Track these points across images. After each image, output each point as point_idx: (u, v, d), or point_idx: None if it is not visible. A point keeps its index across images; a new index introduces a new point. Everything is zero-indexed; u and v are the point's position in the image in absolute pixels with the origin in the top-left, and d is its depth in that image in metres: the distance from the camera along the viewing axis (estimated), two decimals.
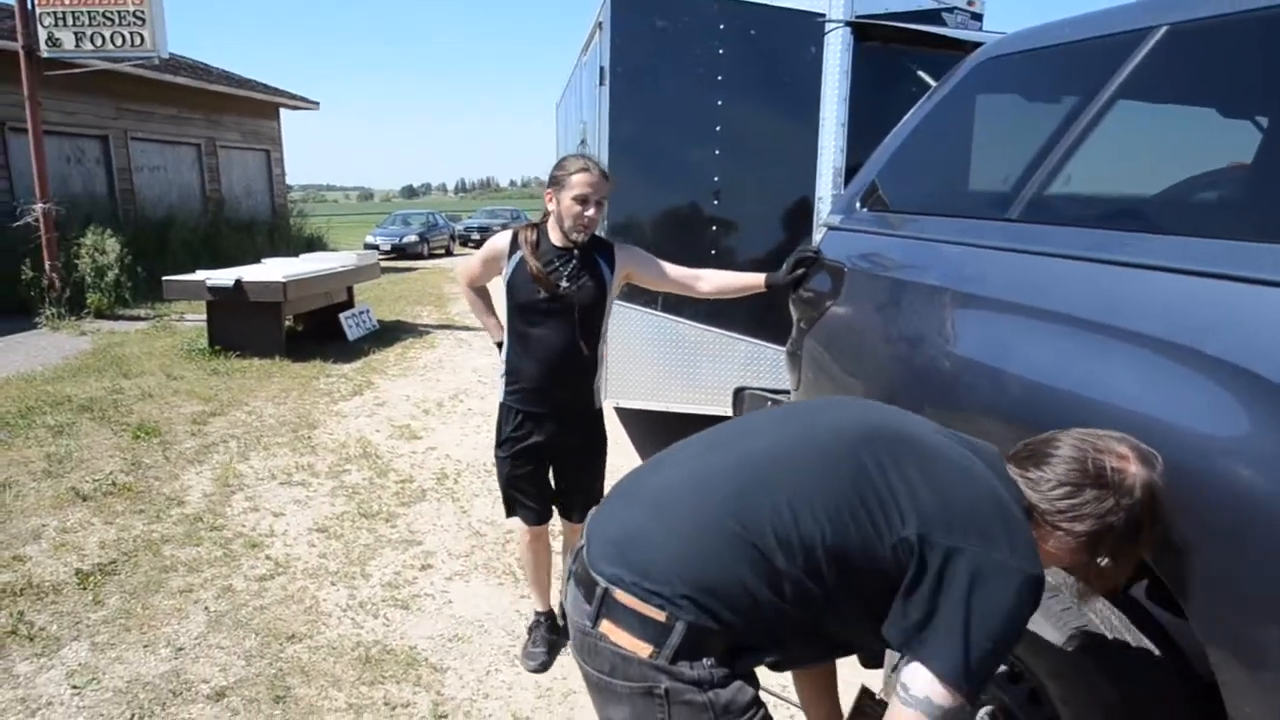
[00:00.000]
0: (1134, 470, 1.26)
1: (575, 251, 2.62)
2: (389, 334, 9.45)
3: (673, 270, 2.77)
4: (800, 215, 4.54)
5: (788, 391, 4.59)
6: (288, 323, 8.22)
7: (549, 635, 2.97)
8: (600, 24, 4.87)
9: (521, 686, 2.78)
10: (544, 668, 2.86)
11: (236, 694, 2.69)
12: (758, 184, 4.65)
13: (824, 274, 2.48)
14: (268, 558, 3.68)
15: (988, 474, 1.30)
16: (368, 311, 9.53)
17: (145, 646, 2.95)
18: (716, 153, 4.59)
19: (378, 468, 4.91)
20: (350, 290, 9.20)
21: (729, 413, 4.76)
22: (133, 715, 2.58)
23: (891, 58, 4.61)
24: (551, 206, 2.62)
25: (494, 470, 4.83)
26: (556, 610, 3.05)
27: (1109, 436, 1.31)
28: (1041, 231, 1.77)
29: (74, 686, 2.72)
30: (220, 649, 2.95)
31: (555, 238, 2.64)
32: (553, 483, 2.84)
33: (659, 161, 4.77)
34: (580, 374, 2.71)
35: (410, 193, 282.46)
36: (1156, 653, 1.54)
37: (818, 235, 4.40)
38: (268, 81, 17.95)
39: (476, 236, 29.00)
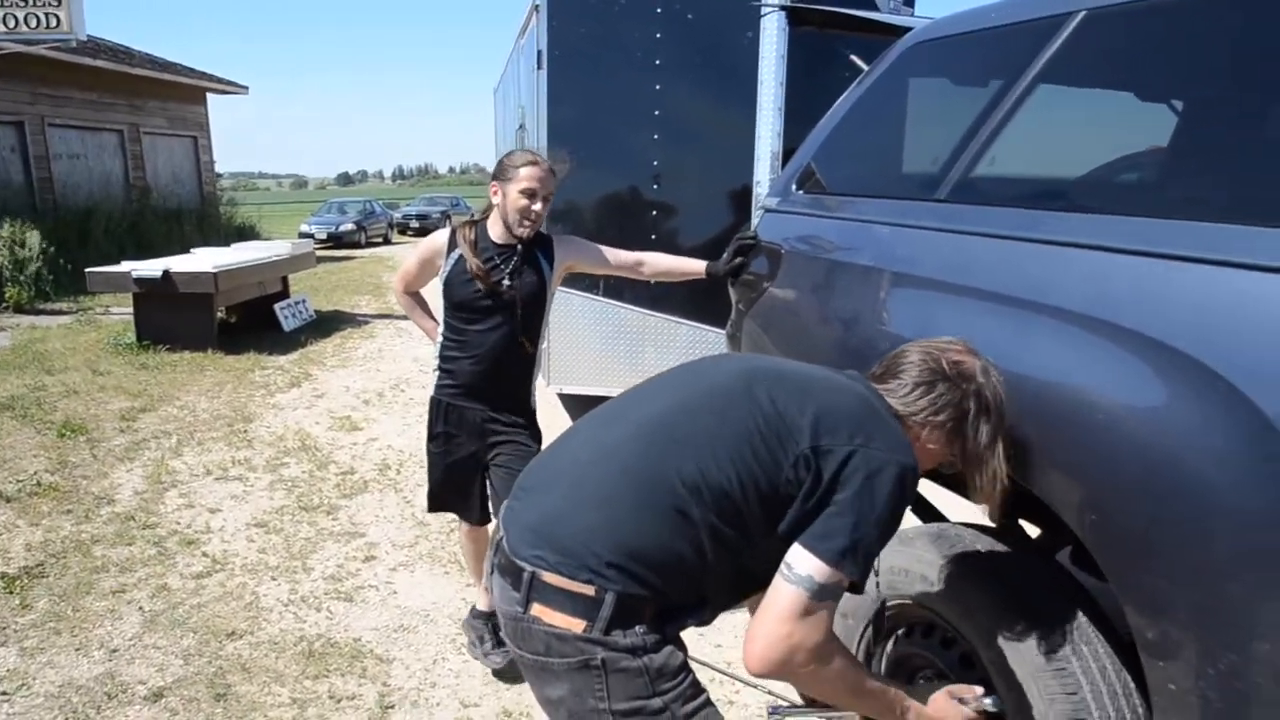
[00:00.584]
0: (970, 360, 1.45)
1: (517, 248, 2.59)
2: (327, 324, 9.26)
3: (614, 255, 2.77)
4: (739, 199, 4.58)
5: None
6: (220, 314, 7.99)
7: (496, 631, 2.96)
8: (536, 6, 4.82)
9: (469, 674, 2.78)
10: (503, 664, 2.85)
11: (175, 694, 2.63)
12: (697, 168, 4.67)
13: (762, 256, 2.51)
14: (204, 555, 3.59)
15: (856, 386, 1.44)
16: (304, 301, 9.33)
17: (77, 649, 2.87)
18: (655, 137, 4.60)
19: (318, 460, 4.82)
20: (285, 280, 8.99)
21: None
22: None
23: (826, 42, 4.67)
24: (496, 199, 2.58)
25: None
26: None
27: (945, 340, 1.51)
28: (967, 212, 1.82)
29: (2, 693, 2.62)
30: (157, 649, 2.88)
31: (496, 233, 2.61)
32: (495, 475, 2.79)
33: (598, 146, 4.75)
34: (519, 371, 2.68)
35: (346, 180, 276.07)
36: (1082, 616, 1.61)
37: (756, 218, 4.47)
38: (194, 65, 17.30)
39: (415, 225, 28.57)
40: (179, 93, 16.62)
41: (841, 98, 2.47)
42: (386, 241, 24.94)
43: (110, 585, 3.30)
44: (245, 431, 5.33)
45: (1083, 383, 1.44)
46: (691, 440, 1.34)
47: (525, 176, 2.53)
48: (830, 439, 1.32)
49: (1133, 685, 1.53)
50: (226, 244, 10.15)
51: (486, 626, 2.92)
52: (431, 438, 2.75)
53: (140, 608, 3.14)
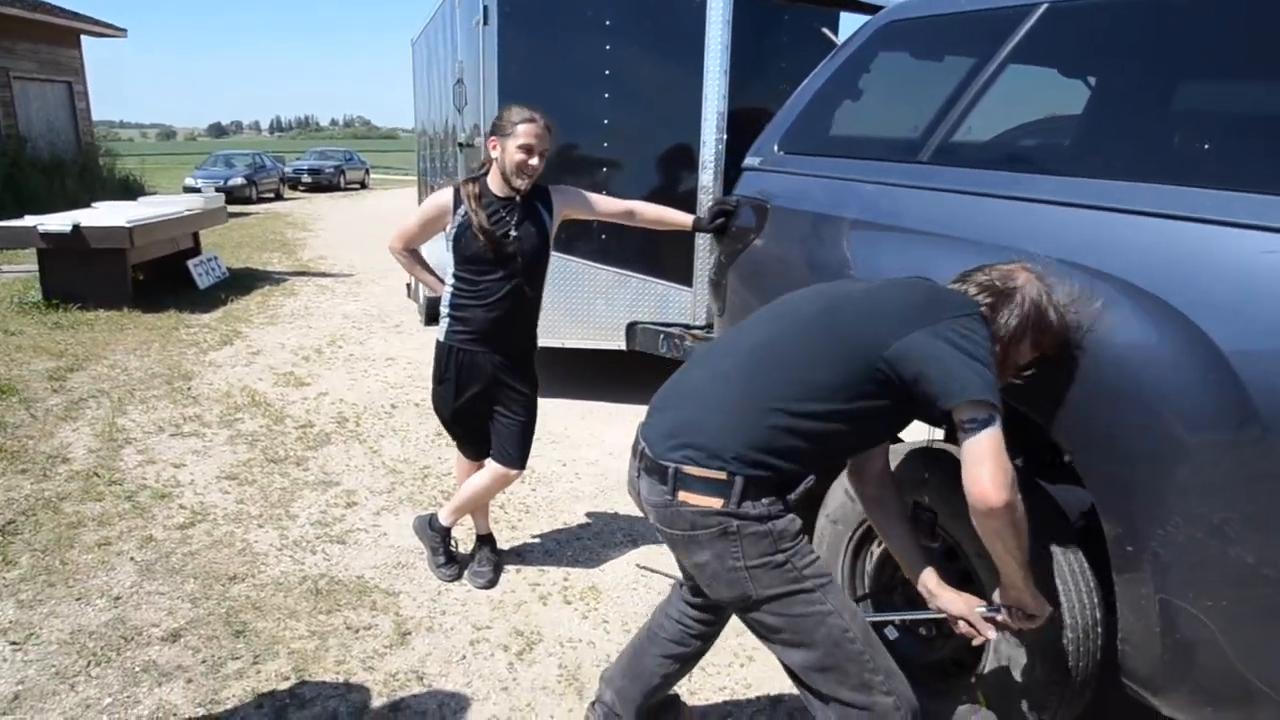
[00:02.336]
0: (1023, 277, 1.70)
1: (518, 200, 2.75)
2: (242, 282, 9.02)
3: (607, 204, 2.97)
4: (685, 158, 4.80)
5: (675, 325, 4.92)
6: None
7: (492, 555, 3.17)
8: None
9: (475, 601, 2.98)
10: (492, 584, 3.07)
11: (192, 633, 2.74)
12: (646, 127, 4.86)
13: (747, 210, 2.76)
14: (182, 507, 3.64)
15: (922, 282, 1.76)
16: (216, 259, 9.04)
17: (78, 599, 2.91)
18: (606, 96, 4.76)
19: (272, 415, 4.84)
20: (197, 237, 8.68)
21: (623, 347, 5.05)
22: (88, 663, 2.58)
23: (770, 8, 4.92)
24: (496, 154, 2.73)
25: (395, 411, 4.95)
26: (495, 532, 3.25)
27: (1010, 266, 1.75)
28: (949, 172, 2.12)
29: (12, 643, 2.67)
30: (160, 594, 2.96)
31: (497, 186, 2.76)
32: (498, 420, 2.96)
33: (548, 104, 4.73)
34: (528, 316, 2.88)
35: (219, 132, 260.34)
36: (1053, 515, 1.96)
37: (704, 176, 4.72)
38: (67, 5, 16.06)
39: (308, 179, 27.46)
40: (51, 34, 15.44)
41: (818, 68, 2.73)
42: (278, 197, 23.95)
43: (93, 539, 3.32)
44: (187, 389, 5.27)
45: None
46: (792, 355, 1.67)
47: (524, 133, 2.69)
48: (911, 327, 1.58)
49: (1094, 579, 1.88)
50: (111, 199, 9.63)
51: (441, 541, 3.14)
52: (440, 381, 2.90)
53: (131, 558, 3.19)
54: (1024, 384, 1.76)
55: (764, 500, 1.62)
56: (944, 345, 1.55)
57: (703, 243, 4.80)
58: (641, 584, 3.13)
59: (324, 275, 9.83)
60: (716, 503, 1.61)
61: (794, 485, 1.72)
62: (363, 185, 30.18)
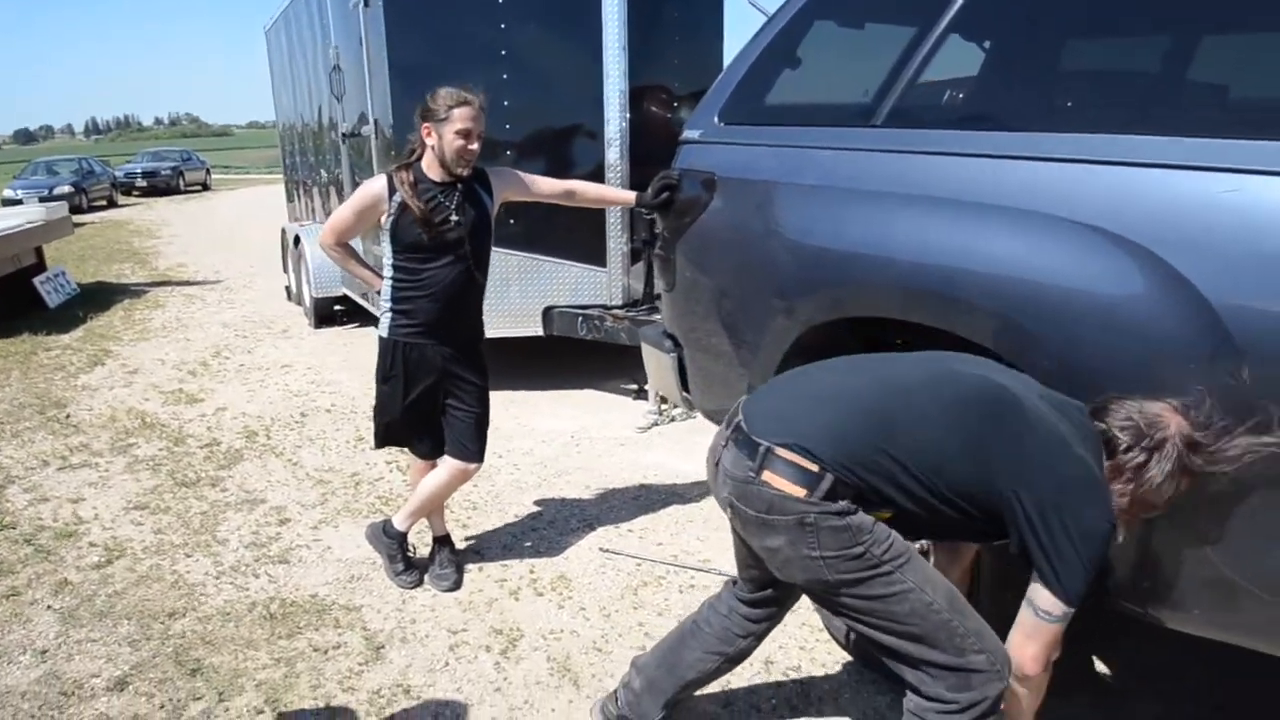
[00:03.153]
0: (1173, 430, 1.59)
1: (458, 185, 2.65)
2: (98, 298, 8.30)
3: (547, 185, 2.90)
4: (590, 135, 4.75)
5: (593, 307, 4.89)
6: None
7: (453, 556, 3.07)
8: None
9: (444, 605, 2.88)
10: (457, 585, 2.97)
11: (141, 678, 2.52)
12: (547, 107, 4.77)
13: (692, 183, 2.75)
14: (93, 545, 3.33)
15: (1079, 441, 1.61)
16: (64, 274, 8.28)
17: None
18: (504, 77, 4.63)
19: (170, 436, 4.50)
20: (40, 251, 7.91)
21: (540, 333, 4.98)
22: None
23: None
24: (431, 141, 2.61)
25: (306, 419, 4.70)
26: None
27: (1158, 405, 1.62)
28: (906, 134, 2.18)
29: None
30: (93, 641, 2.70)
31: (435, 173, 2.64)
32: (451, 414, 2.85)
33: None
34: (473, 303, 2.78)
35: (27, 138, 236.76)
36: None
37: (610, 153, 4.69)
38: None
39: (143, 183, 25.54)
40: None
41: (752, 38, 2.74)
42: (112, 204, 22.16)
43: None
44: (65, 418, 4.81)
45: (1033, 260, 1.86)
46: (924, 410, 1.63)
47: (459, 117, 2.59)
48: (1052, 496, 1.54)
49: None
50: None
51: (399, 547, 3.02)
52: (386, 379, 2.77)
53: (48, 606, 2.90)
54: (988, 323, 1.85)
55: (842, 501, 1.60)
56: (1075, 536, 1.55)
57: (615, 222, 4.77)
58: (610, 567, 3.11)
59: (189, 284, 9.18)
60: (800, 491, 1.58)
61: (870, 507, 1.66)
62: (205, 187, 28.35)
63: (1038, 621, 1.61)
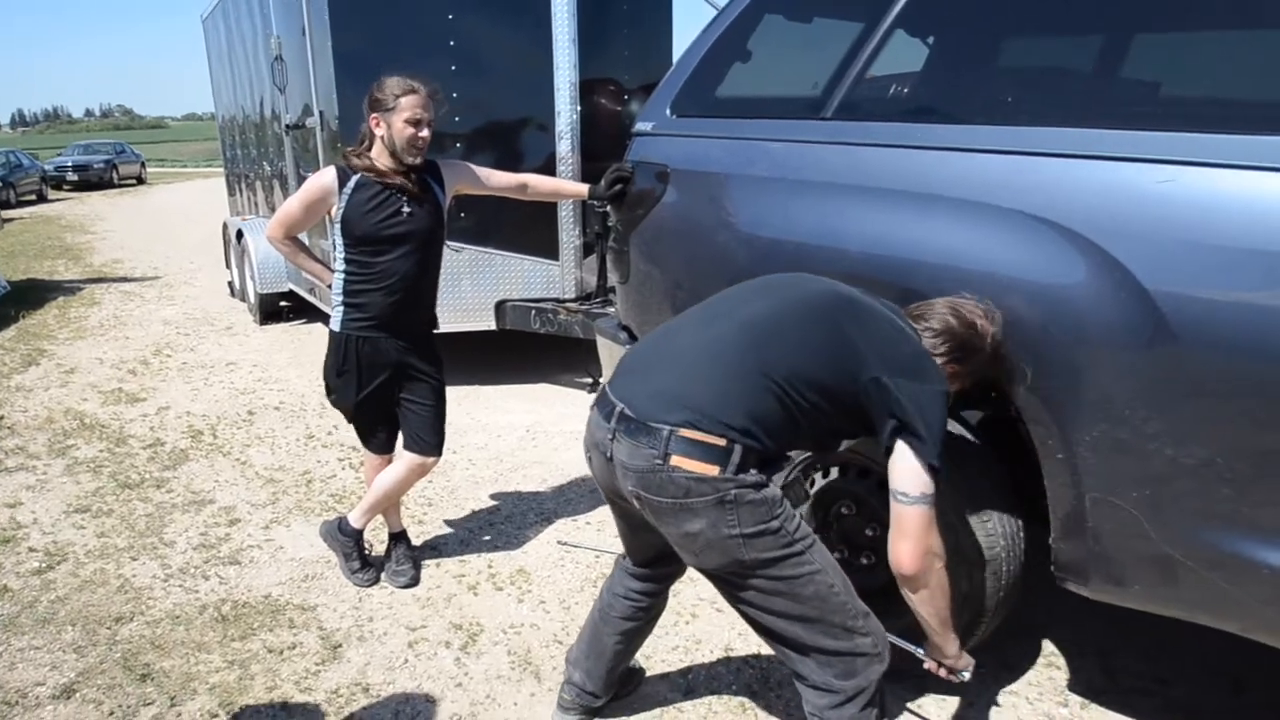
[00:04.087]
0: (983, 324, 1.80)
1: (410, 176, 2.62)
2: (29, 295, 8.01)
3: (499, 178, 2.88)
4: (541, 128, 4.73)
5: (546, 301, 4.88)
6: None
7: (410, 552, 3.04)
8: None
9: (401, 602, 2.86)
10: (414, 581, 2.95)
11: (88, 685, 2.45)
12: (497, 99, 4.74)
13: (645, 175, 2.76)
14: (32, 550, 3.22)
15: (909, 329, 1.79)
16: None
17: None
18: (452, 68, 4.58)
19: (110, 437, 4.37)
20: None
21: (493, 327, 4.95)
22: None
23: None
24: (380, 131, 2.58)
25: (254, 418, 4.60)
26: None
27: (967, 301, 1.83)
28: (855, 126, 2.23)
29: None
30: (36, 649, 2.62)
31: (385, 164, 2.60)
32: (407, 408, 2.83)
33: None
34: (429, 295, 2.75)
35: None
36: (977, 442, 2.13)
37: (561, 145, 4.67)
38: None
39: (74, 177, 24.68)
40: None
41: (702, 31, 2.76)
42: (41, 199, 21.37)
43: None
44: None
45: (978, 249, 1.92)
46: (789, 342, 1.70)
47: (408, 105, 2.56)
48: (898, 375, 1.65)
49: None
50: None
51: (355, 545, 2.98)
52: (339, 374, 2.73)
53: None
54: None
55: (753, 470, 1.62)
56: (926, 402, 1.65)
57: (567, 215, 4.76)
58: (569, 559, 3.12)
59: (126, 280, 8.90)
60: (713, 470, 1.58)
61: (778, 463, 1.73)
62: (139, 180, 27.50)
63: (900, 508, 1.66)
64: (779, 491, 1.67)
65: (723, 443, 1.59)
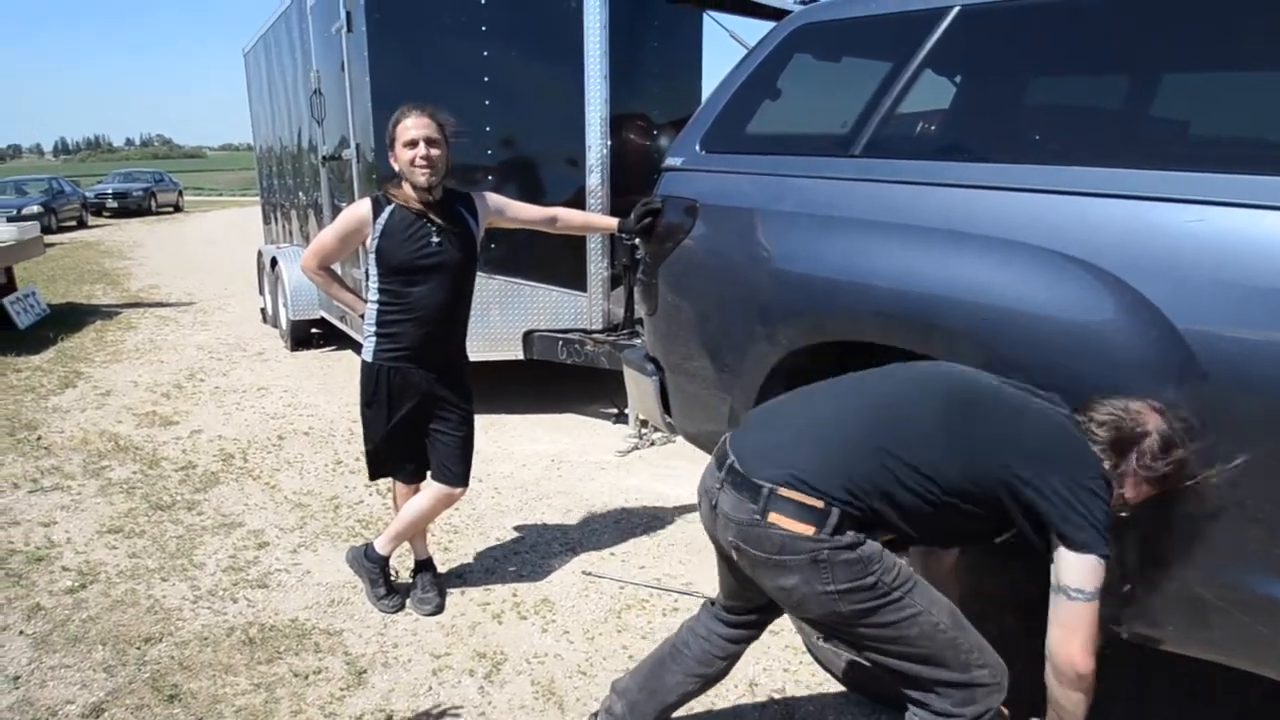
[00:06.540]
0: (1151, 427, 1.64)
1: (437, 206, 2.66)
2: (68, 319, 8.19)
3: (532, 211, 2.93)
4: (571, 162, 4.80)
5: (573, 331, 4.92)
6: None
7: (435, 580, 3.06)
8: None
9: (426, 629, 2.87)
10: (439, 609, 2.96)
11: (117, 704, 2.48)
12: (529, 133, 4.83)
13: (674, 209, 2.80)
14: (65, 569, 3.28)
15: (1059, 415, 1.69)
16: (34, 294, 8.16)
17: None
18: (487, 103, 4.68)
19: (144, 459, 4.44)
20: (10, 271, 7.81)
21: (521, 356, 4.99)
22: None
23: (644, 12, 5.00)
24: (397, 166, 2.64)
25: (284, 443, 4.67)
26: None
27: (1137, 403, 1.67)
28: (883, 164, 2.25)
29: None
30: (66, 667, 2.66)
31: (409, 194, 2.65)
32: (435, 438, 2.85)
33: None
34: (461, 326, 2.80)
35: None
36: None
37: (591, 179, 4.74)
38: None
39: (114, 204, 25.28)
40: None
41: (731, 70, 2.81)
42: (82, 225, 21.87)
43: None
44: (36, 439, 4.73)
45: (1007, 286, 1.92)
46: (912, 428, 1.67)
47: (404, 129, 2.60)
48: (1045, 468, 1.59)
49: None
50: None
51: (380, 571, 3.00)
52: (369, 404, 2.77)
53: (20, 632, 2.85)
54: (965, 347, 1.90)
55: (850, 532, 1.63)
56: (1075, 492, 1.58)
57: (595, 247, 4.82)
58: (593, 590, 3.12)
59: (162, 306, 9.09)
60: (809, 529, 1.61)
61: (876, 530, 1.69)
62: (177, 208, 28.09)
63: (1071, 605, 1.59)
64: (877, 545, 1.66)
65: (820, 505, 1.61)
